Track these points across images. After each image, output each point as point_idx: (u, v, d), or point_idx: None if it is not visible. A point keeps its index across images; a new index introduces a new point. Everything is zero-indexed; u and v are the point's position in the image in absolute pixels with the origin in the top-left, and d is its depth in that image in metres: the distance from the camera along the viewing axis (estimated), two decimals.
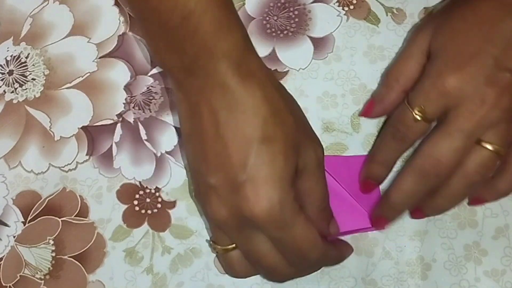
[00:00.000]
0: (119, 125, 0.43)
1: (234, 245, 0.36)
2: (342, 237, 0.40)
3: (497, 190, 0.38)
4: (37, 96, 0.44)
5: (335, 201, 0.40)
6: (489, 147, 0.35)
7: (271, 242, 0.35)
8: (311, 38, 0.45)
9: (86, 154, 0.43)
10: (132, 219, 0.41)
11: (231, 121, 0.33)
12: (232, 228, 0.35)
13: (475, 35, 0.36)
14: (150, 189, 0.42)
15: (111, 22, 0.46)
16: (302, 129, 0.35)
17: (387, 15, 0.45)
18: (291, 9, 0.45)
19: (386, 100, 0.40)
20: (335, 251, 0.38)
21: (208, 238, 0.40)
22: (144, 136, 0.43)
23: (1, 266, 0.40)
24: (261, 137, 0.33)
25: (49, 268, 0.40)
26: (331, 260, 0.38)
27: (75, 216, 0.41)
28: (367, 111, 0.41)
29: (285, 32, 0.45)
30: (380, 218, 0.39)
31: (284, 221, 0.33)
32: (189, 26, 0.32)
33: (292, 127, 0.34)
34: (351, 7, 0.45)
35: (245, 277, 0.39)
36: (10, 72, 0.45)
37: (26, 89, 0.44)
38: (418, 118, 0.37)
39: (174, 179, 0.42)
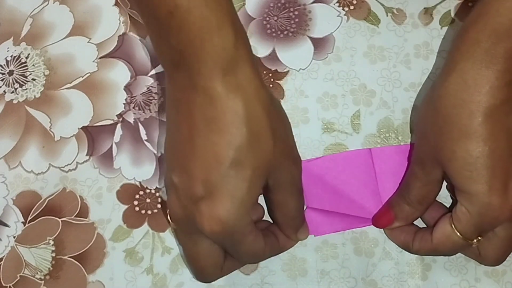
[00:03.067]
0: (119, 125, 0.43)
1: None
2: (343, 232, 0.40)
3: None
4: (37, 96, 0.44)
5: (335, 199, 0.40)
6: None
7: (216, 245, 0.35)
8: (311, 39, 0.45)
9: (86, 155, 0.43)
10: (132, 219, 0.41)
11: (207, 134, 0.32)
12: (181, 228, 0.35)
13: (500, 160, 0.34)
14: (150, 189, 0.42)
15: (111, 22, 0.46)
16: (281, 150, 0.34)
17: (387, 15, 0.45)
18: (291, 9, 0.45)
19: (410, 219, 0.39)
20: (273, 253, 0.38)
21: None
22: (144, 136, 0.43)
23: (1, 266, 0.40)
24: (231, 161, 0.32)
25: (49, 268, 0.40)
26: (266, 257, 0.38)
27: (75, 216, 0.41)
28: (384, 223, 0.40)
29: (285, 32, 0.45)
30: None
31: (232, 241, 0.34)
32: (174, 21, 0.31)
33: (268, 152, 0.33)
34: (351, 7, 0.45)
35: None
36: (10, 72, 0.45)
37: (26, 89, 0.44)
38: (470, 241, 0.36)
39: None
